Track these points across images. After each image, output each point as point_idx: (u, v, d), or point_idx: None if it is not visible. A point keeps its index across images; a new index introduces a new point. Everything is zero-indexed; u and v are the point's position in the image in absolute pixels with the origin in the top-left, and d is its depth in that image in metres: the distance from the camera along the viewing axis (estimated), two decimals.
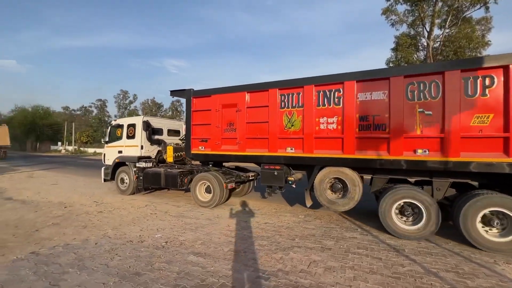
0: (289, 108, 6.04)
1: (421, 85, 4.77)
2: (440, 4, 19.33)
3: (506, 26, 56.32)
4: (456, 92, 4.49)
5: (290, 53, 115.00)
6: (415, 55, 21.08)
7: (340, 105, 5.47)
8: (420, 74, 4.81)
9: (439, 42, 20.93)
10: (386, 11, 20.86)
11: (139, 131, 8.34)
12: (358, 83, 5.32)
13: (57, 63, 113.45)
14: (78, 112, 66.74)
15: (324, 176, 5.73)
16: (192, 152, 7.46)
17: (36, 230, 4.88)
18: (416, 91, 4.82)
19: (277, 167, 6.27)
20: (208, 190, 7.17)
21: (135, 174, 8.16)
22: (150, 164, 8.15)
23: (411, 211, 4.87)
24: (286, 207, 7.29)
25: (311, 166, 5.99)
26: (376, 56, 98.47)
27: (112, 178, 8.91)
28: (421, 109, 4.77)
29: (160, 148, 8.65)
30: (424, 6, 19.66)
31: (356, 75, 5.34)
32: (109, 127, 9.32)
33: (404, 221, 4.96)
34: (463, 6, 19.00)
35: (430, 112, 4.71)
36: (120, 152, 8.69)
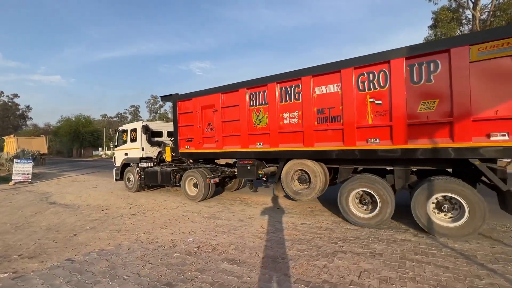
0: (257, 105, 6.37)
1: (371, 75, 4.82)
2: None
3: None
4: (402, 80, 4.51)
5: (315, 44, 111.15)
6: (458, 30, 18.78)
7: (300, 100, 5.67)
8: (369, 64, 4.82)
9: (487, 13, 18.43)
10: None
11: (140, 135, 9.27)
12: (314, 78, 5.45)
13: (96, 75, 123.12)
14: (115, 119, 71.56)
15: (289, 169, 6.06)
16: (180, 151, 8.13)
17: (74, 234, 4.96)
18: (366, 82, 4.88)
19: (250, 162, 6.70)
20: (196, 185, 7.71)
21: (138, 174, 9.11)
22: (150, 164, 9.04)
23: (368, 200, 5.00)
24: (321, 207, 6.75)
25: (279, 159, 6.35)
26: (407, 39, 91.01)
27: (122, 178, 9.92)
28: (371, 99, 4.83)
29: (160, 149, 9.46)
30: None
31: (312, 70, 5.47)
32: (117, 133, 10.46)
33: (364, 209, 5.09)
34: None
35: (380, 102, 4.75)
36: (126, 154, 9.76)
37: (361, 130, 4.97)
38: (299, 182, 6.06)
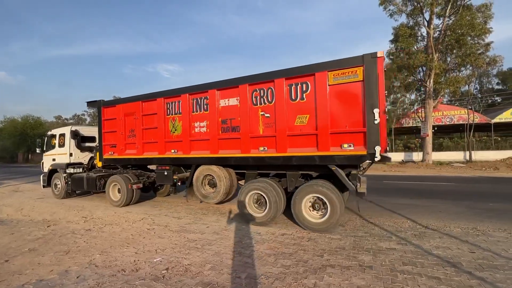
0: (173, 114, 6.82)
1: (262, 91, 5.51)
2: None
3: (507, 12, 56.35)
4: (283, 97, 5.22)
5: (284, 53, 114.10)
6: (415, 46, 20.44)
7: (208, 111, 6.22)
8: (259, 82, 5.50)
9: (438, 32, 20.36)
10: (384, 1, 20.20)
11: (68, 140, 9.14)
12: (219, 91, 6.04)
13: (50, 73, 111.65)
14: (72, 121, 65.12)
15: (199, 173, 6.55)
16: (104, 157, 8.26)
17: (6, 260, 3.97)
18: (258, 97, 5.55)
19: (167, 168, 7.09)
20: (120, 191, 7.74)
21: (64, 180, 8.90)
22: (77, 170, 8.97)
23: (262, 200, 5.55)
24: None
25: (191, 165, 6.77)
26: (367, 51, 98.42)
27: (49, 184, 9.57)
28: (262, 112, 5.50)
29: (92, 155, 9.40)
30: None
31: (217, 84, 6.05)
32: (46, 137, 10.11)
33: (258, 210, 5.63)
34: None
35: (268, 115, 5.43)
36: (54, 160, 9.49)
37: (254, 139, 5.60)
38: (209, 186, 6.61)
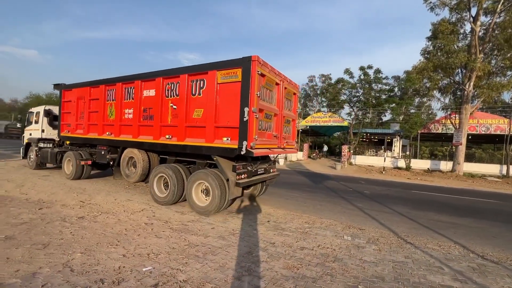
0: (110, 101, 7.45)
1: (172, 85, 6.01)
2: None
3: None
4: (186, 91, 5.72)
5: (304, 49, 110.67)
6: (456, 44, 18.48)
7: (134, 99, 6.77)
8: (170, 76, 6.01)
9: (484, 30, 18.28)
10: None
11: (41, 118, 10.30)
12: (143, 82, 6.58)
13: (77, 54, 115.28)
14: None
15: (125, 155, 7.16)
16: (61, 134, 9.27)
17: None
18: (170, 90, 6.05)
19: (104, 148, 7.88)
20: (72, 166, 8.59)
21: (35, 153, 9.94)
22: (47, 145, 9.99)
23: (167, 182, 6.03)
24: (318, 219, 5.61)
25: (120, 147, 7.37)
26: (390, 52, 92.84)
27: (26, 156, 10.78)
28: (171, 104, 6.00)
29: None
30: None
31: (141, 76, 6.61)
32: (27, 114, 11.36)
33: (164, 191, 6.20)
34: None
35: (175, 107, 5.92)
36: (30, 134, 10.70)
37: (164, 128, 6.14)
38: (133, 167, 7.10)
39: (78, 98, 8.46)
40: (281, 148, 6.29)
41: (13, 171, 9.72)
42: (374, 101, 24.02)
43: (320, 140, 40.37)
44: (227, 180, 5.28)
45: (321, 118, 27.61)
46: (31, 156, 10.30)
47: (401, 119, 29.70)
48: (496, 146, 28.48)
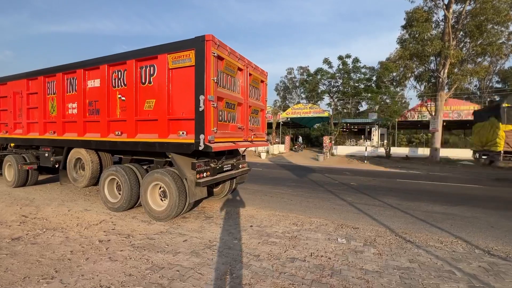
0: (51, 94, 6.33)
1: (119, 73, 5.12)
2: None
3: None
4: (134, 80, 4.88)
5: (282, 42, 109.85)
6: (431, 32, 18.70)
7: (77, 92, 5.79)
8: (116, 63, 5.11)
9: (456, 17, 18.65)
10: None
11: None
12: (86, 71, 5.61)
13: (40, 49, 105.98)
14: None
15: (71, 156, 6.20)
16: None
17: None
18: (117, 79, 5.17)
19: (47, 149, 6.84)
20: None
21: None
22: None
23: (118, 185, 5.40)
24: (307, 219, 5.03)
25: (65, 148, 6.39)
26: (365, 44, 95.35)
27: None
28: (119, 95, 5.14)
29: None
30: None
31: (83, 63, 5.61)
32: None
33: (115, 194, 5.47)
34: None
35: (124, 98, 5.07)
36: None
37: (112, 123, 5.31)
38: (82, 170, 6.16)
39: (15, 93, 7.22)
40: (248, 141, 5.62)
41: None
42: (353, 91, 24.00)
43: (300, 131, 40.35)
44: (186, 179, 4.60)
45: (301, 109, 27.32)
46: None
47: (376, 108, 30.25)
48: (467, 132, 29.95)
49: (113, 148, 5.51)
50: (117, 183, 5.42)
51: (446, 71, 18.22)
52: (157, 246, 3.71)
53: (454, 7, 18.31)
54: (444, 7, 18.23)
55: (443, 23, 19.11)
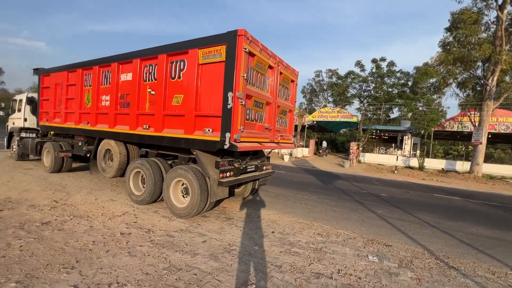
0: (88, 87, 6.55)
1: (151, 67, 5.13)
2: None
3: None
4: (164, 74, 4.86)
5: (313, 44, 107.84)
6: (480, 35, 17.03)
7: (110, 84, 5.90)
8: (149, 57, 5.11)
9: (510, 20, 16.79)
10: None
11: (23, 106, 9.52)
12: (120, 65, 5.70)
13: (84, 46, 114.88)
14: None
15: (101, 147, 6.37)
16: (40, 123, 8.40)
17: None
18: (148, 73, 5.18)
19: (81, 139, 7.16)
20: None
21: (17, 143, 9.25)
22: (29, 135, 9.19)
23: (142, 177, 5.35)
24: (333, 230, 4.64)
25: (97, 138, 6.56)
26: (401, 48, 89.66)
27: (9, 146, 10.13)
28: (149, 89, 5.13)
29: None
30: None
31: (118, 57, 5.71)
32: (11, 102, 10.67)
33: (139, 187, 5.47)
34: None
35: (154, 92, 5.05)
36: (13, 123, 10.01)
37: (141, 116, 5.34)
38: (110, 161, 6.29)
39: (56, 84, 7.57)
40: (274, 142, 5.36)
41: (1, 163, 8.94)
42: (386, 96, 22.66)
43: (326, 136, 39.19)
44: (209, 178, 4.48)
45: (328, 113, 26.43)
46: (14, 147, 9.66)
47: (409, 116, 28.33)
48: None
49: (140, 141, 5.53)
50: (142, 176, 5.43)
51: (495, 78, 16.46)
52: (176, 244, 3.60)
53: (509, 8, 16.52)
54: (497, 8, 16.49)
55: (494, 26, 17.31)
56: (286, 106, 5.83)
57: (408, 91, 22.68)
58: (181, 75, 4.70)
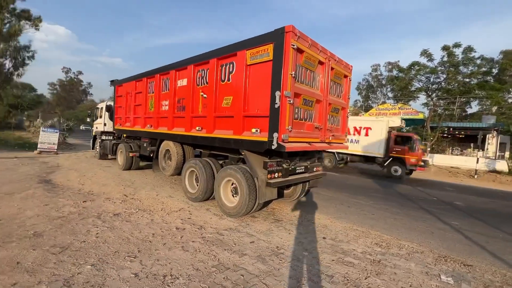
0: (151, 93, 7.25)
1: (203, 72, 5.42)
2: None
3: None
4: (214, 78, 5.07)
5: (368, 36, 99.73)
6: None
7: (169, 90, 6.46)
8: (201, 62, 5.41)
9: None
10: None
11: (103, 113, 11.34)
12: (177, 72, 6.20)
13: (153, 59, 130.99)
14: None
15: (162, 148, 7.02)
16: (115, 128, 9.76)
17: None
18: (200, 78, 5.50)
19: (146, 140, 8.08)
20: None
21: (99, 145, 11.02)
22: (108, 137, 10.85)
23: (196, 176, 5.73)
24: (395, 241, 4.09)
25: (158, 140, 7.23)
26: (480, 31, 74.73)
27: (93, 147, 12.28)
28: (202, 93, 5.43)
29: None
30: None
31: (175, 65, 6.22)
32: (95, 110, 12.68)
33: (194, 185, 5.85)
34: None
35: (206, 95, 5.32)
36: (96, 128, 11.94)
37: (195, 119, 5.65)
38: (169, 160, 6.78)
39: (127, 93, 8.64)
40: (325, 142, 5.04)
41: (84, 161, 10.72)
42: (461, 88, 19.42)
43: None
44: (257, 178, 4.50)
45: (388, 110, 23.99)
46: (97, 148, 11.42)
47: (494, 110, 23.59)
48: None
49: (194, 142, 5.90)
50: (195, 175, 5.78)
51: None
52: (225, 243, 3.68)
53: None
54: None
55: None
56: (339, 103, 5.45)
57: (492, 80, 19.01)
58: (230, 77, 4.84)
